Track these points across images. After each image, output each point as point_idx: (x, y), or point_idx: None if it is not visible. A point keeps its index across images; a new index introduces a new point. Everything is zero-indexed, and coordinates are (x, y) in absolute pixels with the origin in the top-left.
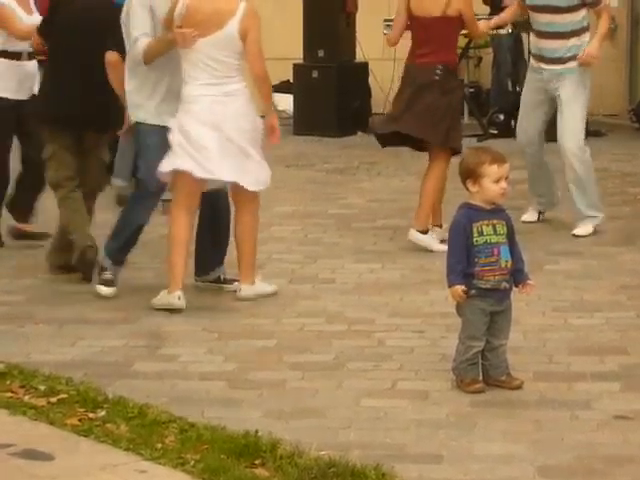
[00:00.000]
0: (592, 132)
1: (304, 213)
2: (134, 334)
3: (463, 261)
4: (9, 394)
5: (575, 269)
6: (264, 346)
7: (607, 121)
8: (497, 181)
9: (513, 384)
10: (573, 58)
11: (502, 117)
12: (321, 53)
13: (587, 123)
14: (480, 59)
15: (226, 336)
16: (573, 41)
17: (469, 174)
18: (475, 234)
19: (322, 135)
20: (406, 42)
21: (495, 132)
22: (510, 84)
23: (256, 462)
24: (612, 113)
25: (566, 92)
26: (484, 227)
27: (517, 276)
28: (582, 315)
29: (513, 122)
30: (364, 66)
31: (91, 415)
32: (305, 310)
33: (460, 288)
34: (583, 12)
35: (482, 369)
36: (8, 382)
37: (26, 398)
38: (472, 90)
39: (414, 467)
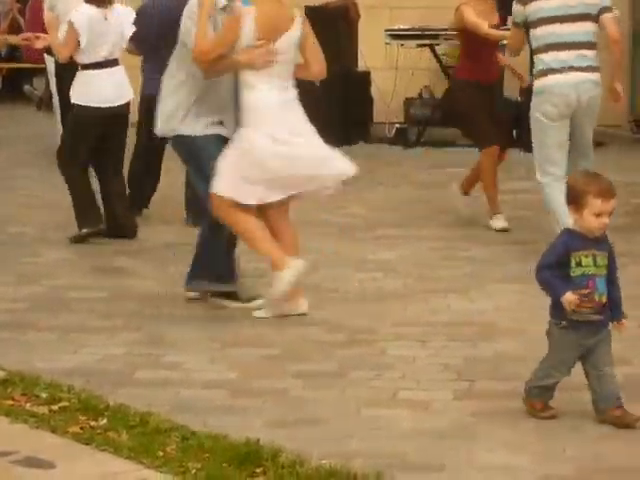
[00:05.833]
0: (593, 143)
1: (306, 222)
2: (136, 342)
3: (555, 269)
4: (10, 402)
5: None
6: (266, 355)
7: (608, 132)
8: (598, 215)
9: (628, 420)
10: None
11: None
12: None
13: None
14: None
15: (228, 344)
16: None
17: (572, 200)
18: (572, 265)
19: None
20: (405, 50)
21: None
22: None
23: (257, 471)
24: (613, 124)
25: None
26: (583, 258)
27: (613, 311)
28: None
29: (516, 132)
30: (366, 75)
31: (92, 423)
32: (307, 319)
33: (571, 294)
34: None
35: (592, 402)
36: (10, 390)
37: (27, 406)
38: None
39: (415, 476)
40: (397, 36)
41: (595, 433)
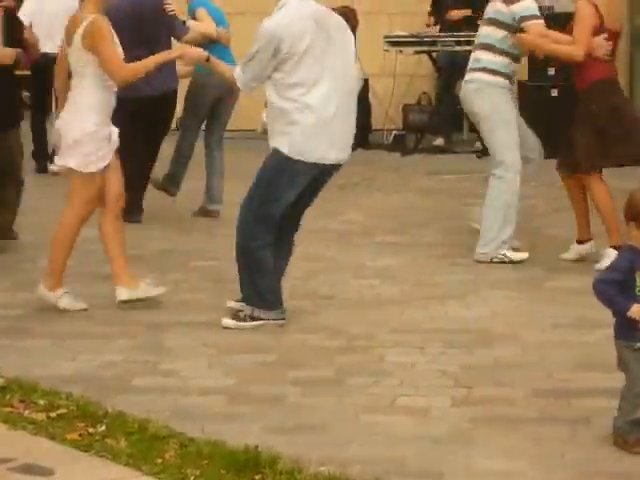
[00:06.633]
0: None
1: (304, 229)
2: (134, 349)
3: (616, 285)
4: (9, 409)
5: (575, 286)
6: (264, 361)
7: None
8: None
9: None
10: None
11: None
12: None
13: None
14: None
15: (226, 351)
16: None
17: (635, 216)
18: (639, 284)
19: None
20: (404, 57)
21: None
22: None
23: (256, 477)
24: None
25: None
26: None
27: None
28: (582, 332)
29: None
30: (364, 82)
31: (91, 430)
32: (305, 325)
33: (638, 306)
34: None
35: (616, 427)
36: (8, 397)
37: (26, 413)
38: None
39: None
40: (395, 43)
41: (593, 439)
